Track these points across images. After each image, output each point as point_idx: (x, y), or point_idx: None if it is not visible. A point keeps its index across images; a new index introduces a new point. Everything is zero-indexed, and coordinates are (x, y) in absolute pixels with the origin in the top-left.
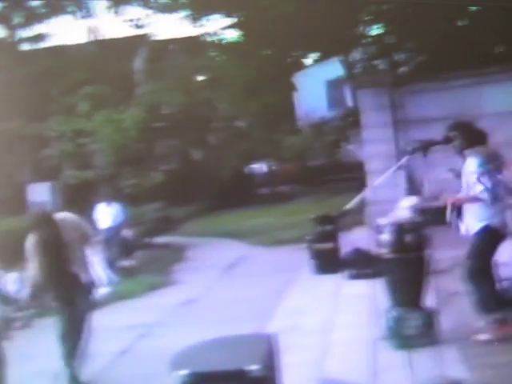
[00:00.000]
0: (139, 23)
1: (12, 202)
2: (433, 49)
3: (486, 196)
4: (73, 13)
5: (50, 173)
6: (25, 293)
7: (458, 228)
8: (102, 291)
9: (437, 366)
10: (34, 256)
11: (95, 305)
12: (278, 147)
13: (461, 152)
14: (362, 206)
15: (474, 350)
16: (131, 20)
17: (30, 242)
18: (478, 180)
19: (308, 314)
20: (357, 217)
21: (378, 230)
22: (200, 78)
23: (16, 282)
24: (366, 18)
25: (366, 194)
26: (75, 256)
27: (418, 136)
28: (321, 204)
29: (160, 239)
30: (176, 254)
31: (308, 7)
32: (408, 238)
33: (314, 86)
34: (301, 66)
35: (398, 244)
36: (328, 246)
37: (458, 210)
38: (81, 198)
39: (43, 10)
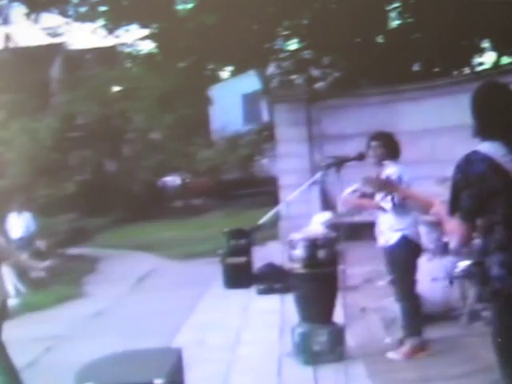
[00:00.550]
0: (56, 32)
1: None
2: (349, 65)
3: (389, 206)
4: None
5: None
6: None
7: (376, 239)
8: (10, 303)
9: (344, 382)
10: None
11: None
12: (192, 160)
13: (379, 162)
14: (275, 220)
15: (381, 365)
16: (48, 28)
17: None
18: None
19: (216, 328)
20: (270, 231)
21: (291, 244)
22: (116, 88)
23: None
24: (284, 33)
25: (280, 208)
26: None
27: (333, 152)
28: (233, 218)
29: (73, 250)
30: (88, 265)
31: (225, 20)
32: (320, 253)
33: (230, 99)
34: (217, 79)
35: (310, 259)
36: (241, 260)
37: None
38: None
39: None
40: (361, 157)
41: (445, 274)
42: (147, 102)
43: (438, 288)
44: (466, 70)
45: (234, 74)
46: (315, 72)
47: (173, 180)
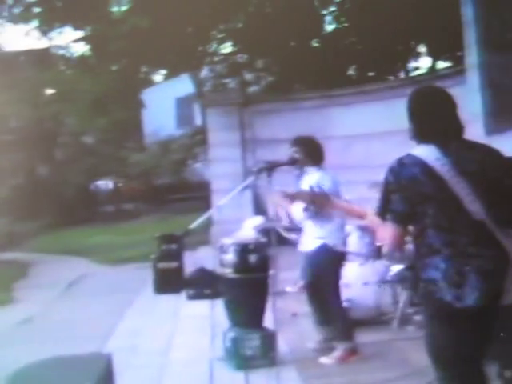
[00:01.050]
0: None
1: None
2: (283, 69)
3: (304, 215)
4: None
5: None
6: None
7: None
8: None
9: None
10: None
11: None
12: (124, 164)
13: (301, 168)
14: (207, 225)
15: (313, 370)
16: None
17: None
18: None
19: (146, 333)
20: (202, 236)
21: (223, 249)
22: (49, 91)
23: None
24: (218, 36)
25: (212, 213)
26: None
27: (266, 156)
28: (165, 222)
29: (4, 255)
30: (19, 270)
31: (159, 23)
32: (251, 258)
33: (163, 102)
34: (150, 83)
35: (241, 264)
36: (172, 265)
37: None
38: None
39: None
40: (293, 161)
41: (377, 279)
42: (80, 105)
43: (370, 292)
44: (402, 75)
45: (167, 77)
46: (249, 76)
47: (105, 184)
